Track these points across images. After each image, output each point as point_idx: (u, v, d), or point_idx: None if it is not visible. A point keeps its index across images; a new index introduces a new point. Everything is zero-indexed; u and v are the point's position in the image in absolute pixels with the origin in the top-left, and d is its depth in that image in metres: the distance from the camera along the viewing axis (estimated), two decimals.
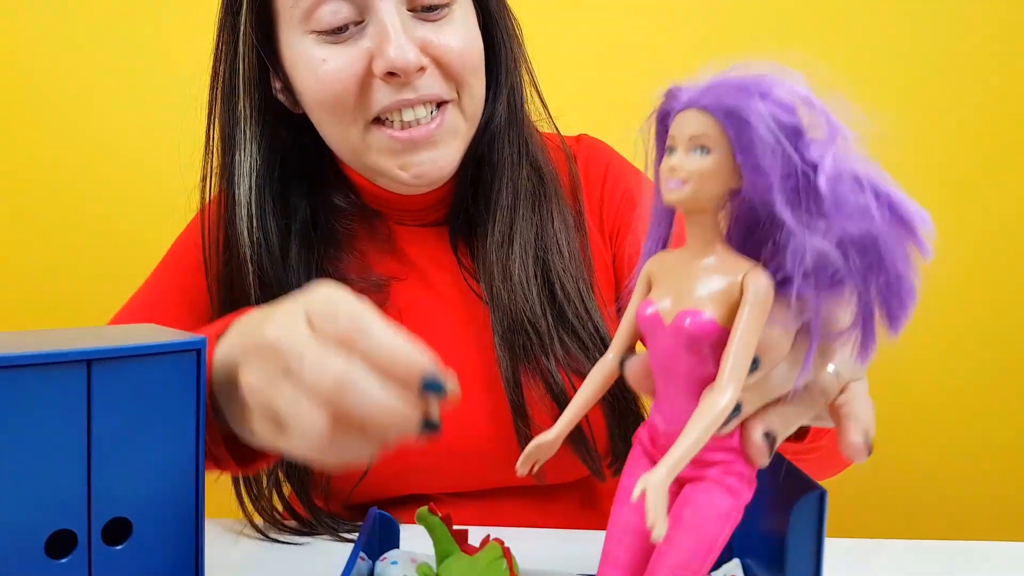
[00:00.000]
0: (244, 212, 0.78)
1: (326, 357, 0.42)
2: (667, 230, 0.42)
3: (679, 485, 0.39)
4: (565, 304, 0.78)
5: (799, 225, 0.36)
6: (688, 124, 0.37)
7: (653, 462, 0.41)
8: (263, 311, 0.48)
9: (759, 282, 0.36)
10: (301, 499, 0.75)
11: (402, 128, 0.74)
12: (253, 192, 0.78)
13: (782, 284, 0.37)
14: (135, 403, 0.44)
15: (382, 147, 0.76)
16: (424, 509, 0.54)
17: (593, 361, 0.73)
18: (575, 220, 0.84)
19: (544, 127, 0.89)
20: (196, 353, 0.46)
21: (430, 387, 0.45)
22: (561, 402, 0.75)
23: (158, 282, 0.86)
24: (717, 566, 0.52)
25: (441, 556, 0.53)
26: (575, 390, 0.75)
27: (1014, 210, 1.39)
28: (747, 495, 0.38)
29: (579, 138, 0.93)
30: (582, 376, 0.75)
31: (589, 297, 0.80)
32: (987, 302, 1.39)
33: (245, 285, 0.78)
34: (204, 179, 0.82)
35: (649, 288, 0.41)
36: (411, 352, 0.45)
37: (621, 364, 0.43)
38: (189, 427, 0.46)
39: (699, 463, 0.38)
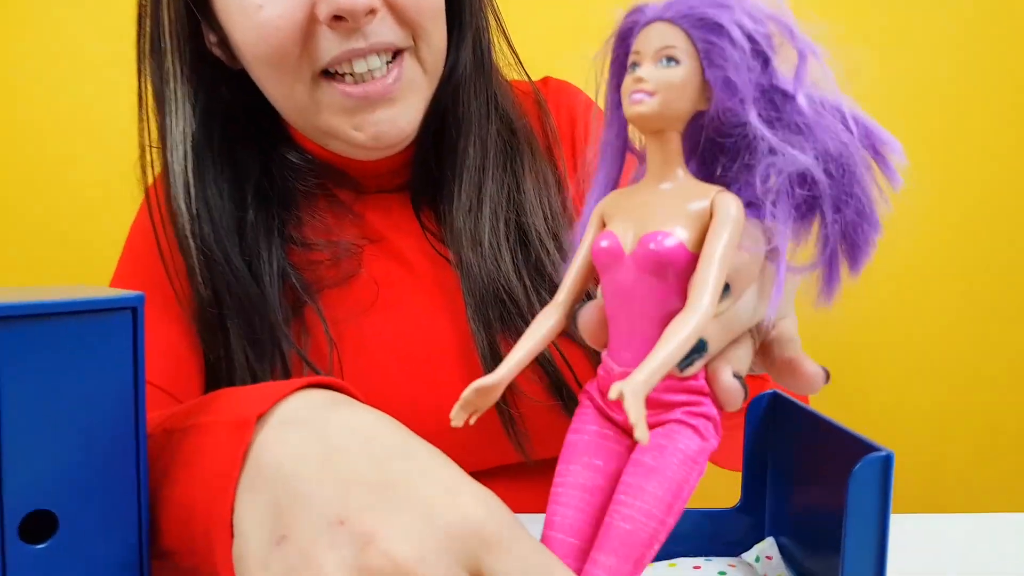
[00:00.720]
0: (180, 182, 0.70)
1: None
2: (619, 167, 0.39)
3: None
4: (546, 267, 0.72)
5: (777, 140, 0.34)
6: (655, 36, 0.35)
7: (606, 418, 0.37)
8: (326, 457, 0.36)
9: (732, 202, 0.34)
10: None
11: (355, 83, 0.67)
12: (189, 159, 0.70)
13: (749, 208, 0.35)
14: (55, 372, 0.37)
15: (333, 105, 0.68)
16: None
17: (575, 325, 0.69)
18: (554, 176, 0.78)
19: (512, 74, 0.82)
20: (131, 312, 0.39)
21: None
22: (549, 371, 0.70)
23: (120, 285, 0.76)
24: (748, 546, 0.47)
25: None
26: (563, 357, 0.70)
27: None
28: (714, 440, 0.35)
29: (545, 81, 0.86)
30: (572, 341, 0.71)
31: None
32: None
33: (194, 270, 0.70)
34: (142, 152, 0.73)
35: (603, 226, 0.38)
36: None
37: (571, 314, 0.39)
38: (125, 400, 0.39)
39: (659, 405, 0.35)
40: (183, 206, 0.70)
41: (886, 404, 1.39)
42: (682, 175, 0.36)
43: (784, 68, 0.35)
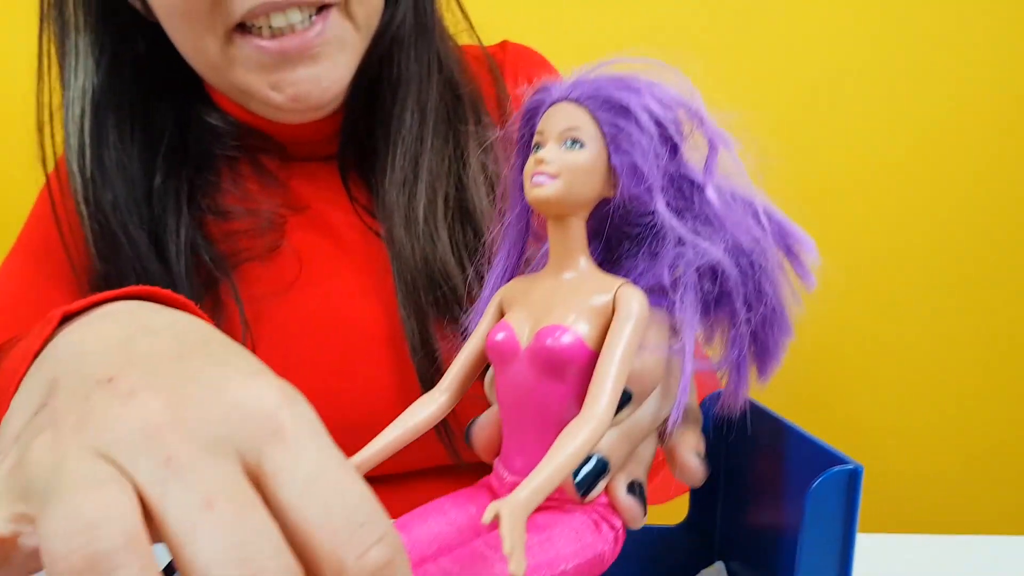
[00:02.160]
0: (75, 143, 0.63)
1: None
2: (520, 251, 0.37)
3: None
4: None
5: (686, 230, 0.31)
6: (560, 117, 0.33)
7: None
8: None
9: (635, 297, 0.31)
10: None
11: (272, 37, 0.59)
12: (87, 118, 0.63)
13: (652, 294, 0.32)
14: None
15: (248, 61, 0.60)
16: None
17: None
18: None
19: (463, 39, 0.74)
20: None
21: None
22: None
23: (19, 263, 0.69)
24: (695, 570, 0.41)
25: None
26: None
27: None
28: (611, 549, 0.31)
29: (502, 45, 0.78)
30: None
31: None
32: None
33: (90, 240, 0.63)
34: (40, 128, 0.65)
35: (502, 315, 0.35)
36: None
37: (454, 402, 0.36)
38: None
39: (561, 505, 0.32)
40: (76, 168, 0.63)
41: (863, 415, 1.34)
42: (584, 264, 0.33)
43: (694, 156, 0.33)
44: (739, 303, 0.32)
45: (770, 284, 0.32)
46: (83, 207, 0.63)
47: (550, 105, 0.33)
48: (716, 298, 0.32)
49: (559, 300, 0.33)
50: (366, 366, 0.65)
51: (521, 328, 0.33)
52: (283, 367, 0.61)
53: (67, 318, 0.33)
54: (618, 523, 0.32)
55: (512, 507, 0.25)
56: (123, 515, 0.21)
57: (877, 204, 1.27)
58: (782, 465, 0.35)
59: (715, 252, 0.31)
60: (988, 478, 1.34)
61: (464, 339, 0.37)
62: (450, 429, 0.62)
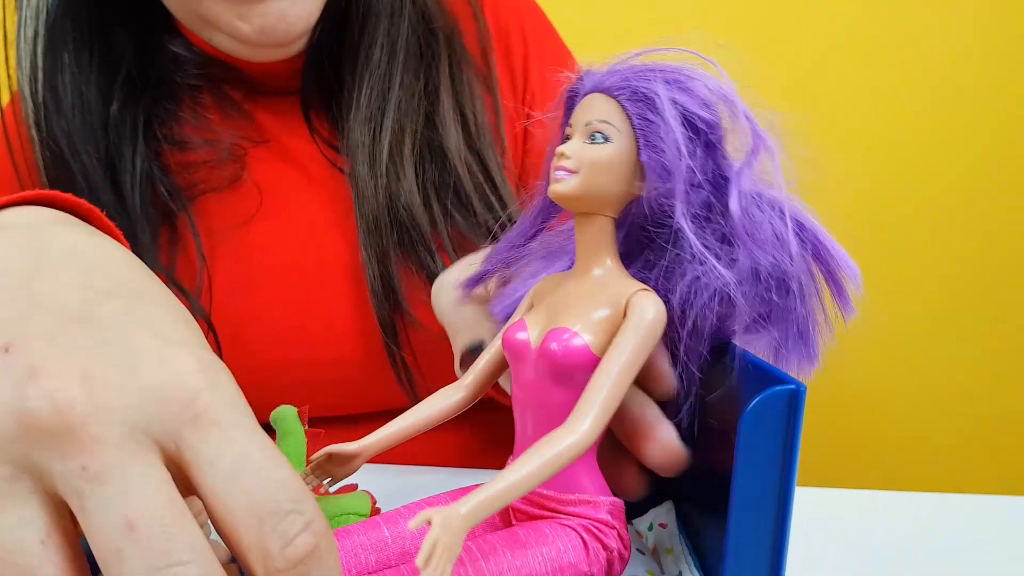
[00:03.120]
0: (27, 65, 0.60)
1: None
2: (532, 234, 0.36)
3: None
4: (464, 189, 0.61)
5: (702, 246, 0.29)
6: (589, 109, 0.31)
7: (501, 514, 0.33)
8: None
9: (647, 306, 0.29)
10: None
11: None
12: (40, 40, 0.60)
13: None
14: None
15: None
16: (289, 409, 0.39)
17: None
18: (483, 87, 0.66)
19: None
20: None
21: None
22: None
23: None
24: (644, 510, 0.38)
25: None
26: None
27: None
28: (600, 571, 0.30)
29: None
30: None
31: (501, 179, 0.62)
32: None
33: (41, 168, 0.61)
34: None
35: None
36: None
37: (474, 399, 0.35)
38: None
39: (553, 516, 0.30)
40: (27, 93, 0.61)
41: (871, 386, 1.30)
42: (610, 265, 0.32)
43: (735, 158, 0.30)
44: (751, 328, 0.30)
45: (799, 308, 0.29)
46: (35, 132, 0.61)
47: (584, 96, 0.32)
48: (725, 319, 0.30)
49: (574, 302, 0.31)
50: (328, 303, 0.63)
51: (534, 327, 0.32)
52: (241, 300, 0.61)
53: None
54: (613, 544, 0.30)
55: (446, 517, 0.24)
56: (36, 532, 0.22)
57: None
58: (732, 397, 0.30)
59: (725, 278, 0.28)
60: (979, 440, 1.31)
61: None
62: (410, 369, 0.60)
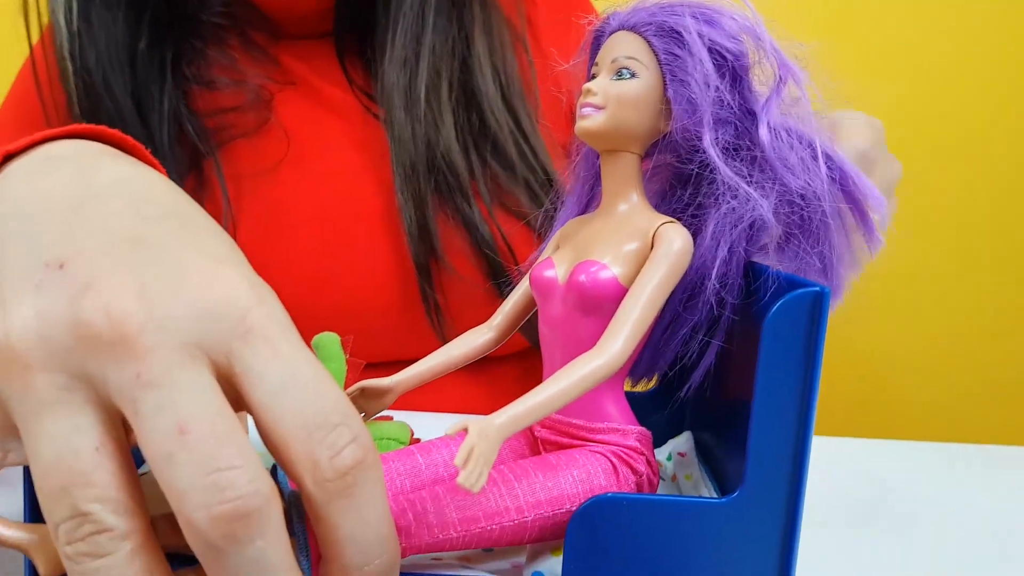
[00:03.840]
0: None
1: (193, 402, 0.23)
2: (589, 191, 0.36)
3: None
4: (499, 135, 0.61)
5: (732, 173, 0.29)
6: (614, 46, 0.31)
7: (530, 446, 0.33)
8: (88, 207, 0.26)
9: (675, 237, 0.30)
10: None
11: None
12: None
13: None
14: None
15: None
16: (331, 336, 0.38)
17: (539, 206, 0.60)
18: (512, 35, 0.66)
19: None
20: None
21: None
22: (488, 257, 0.60)
23: None
24: (663, 441, 0.38)
25: None
26: (503, 234, 0.60)
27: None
28: (628, 490, 0.30)
29: None
30: (515, 218, 0.61)
31: (532, 130, 0.63)
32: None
33: (72, 100, 0.61)
34: None
35: None
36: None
37: (504, 339, 0.36)
38: None
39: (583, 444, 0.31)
40: (62, 21, 0.61)
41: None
42: (636, 200, 0.32)
43: (760, 91, 0.31)
44: (785, 256, 0.30)
45: (826, 236, 0.30)
46: (67, 62, 0.61)
47: (610, 35, 0.32)
48: (755, 247, 0.30)
49: (602, 237, 0.31)
50: (359, 249, 0.63)
51: (561, 265, 0.32)
52: (270, 248, 0.61)
53: (9, 158, 0.30)
54: (643, 469, 0.31)
55: (482, 426, 0.25)
56: (91, 439, 0.22)
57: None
58: (756, 311, 0.29)
59: (759, 207, 0.29)
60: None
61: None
62: (443, 316, 0.61)
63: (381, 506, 0.24)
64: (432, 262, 0.60)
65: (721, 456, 0.32)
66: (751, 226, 0.29)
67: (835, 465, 0.49)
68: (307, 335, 0.58)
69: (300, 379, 0.23)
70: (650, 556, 0.28)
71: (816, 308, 0.27)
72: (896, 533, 0.40)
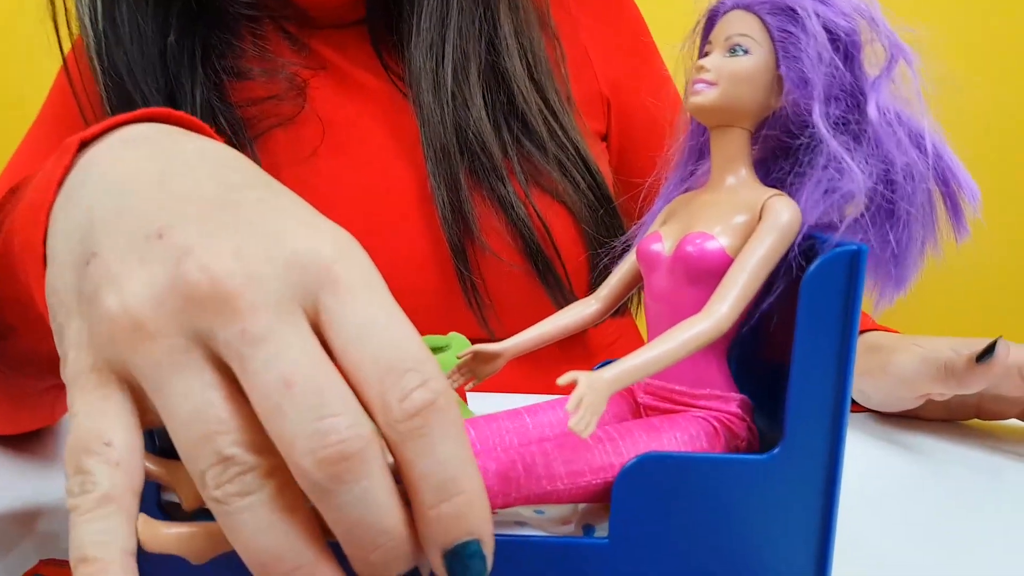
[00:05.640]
0: None
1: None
2: (691, 169, 0.37)
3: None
4: (528, 114, 0.62)
5: (837, 144, 0.30)
6: (727, 25, 0.32)
7: (633, 412, 0.35)
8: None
9: (783, 209, 0.30)
10: None
11: None
12: None
13: None
14: None
15: None
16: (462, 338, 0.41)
17: (572, 183, 0.62)
18: (538, 17, 0.67)
19: None
20: None
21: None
22: (524, 235, 0.61)
23: (39, 133, 0.69)
24: None
25: None
26: (540, 217, 0.61)
27: None
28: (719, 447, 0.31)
29: None
30: (555, 200, 0.62)
31: (562, 109, 0.64)
32: None
33: (103, 101, 0.63)
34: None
35: None
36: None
37: (610, 309, 0.37)
38: None
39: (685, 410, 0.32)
40: (87, 23, 0.62)
41: None
42: (745, 175, 0.33)
43: (872, 71, 0.31)
44: (876, 231, 0.31)
45: (902, 222, 0.30)
46: (96, 63, 0.63)
47: (724, 14, 0.33)
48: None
49: (709, 210, 0.32)
50: (397, 233, 0.64)
51: (668, 239, 0.33)
52: None
53: (84, 146, 0.31)
54: (744, 434, 0.31)
55: (592, 378, 0.26)
56: (220, 391, 0.24)
57: None
58: (797, 275, 0.30)
59: (857, 179, 0.29)
60: None
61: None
62: (481, 298, 0.61)
63: (453, 447, 0.24)
64: (468, 243, 0.61)
65: (763, 414, 0.33)
66: (842, 197, 0.30)
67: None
68: None
69: (377, 327, 0.25)
70: (694, 513, 0.30)
71: (854, 267, 0.28)
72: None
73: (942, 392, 0.51)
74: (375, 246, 0.65)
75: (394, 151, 0.65)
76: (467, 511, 0.25)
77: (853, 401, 0.59)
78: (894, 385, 0.53)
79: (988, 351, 0.47)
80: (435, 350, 0.34)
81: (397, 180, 0.65)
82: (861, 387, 0.55)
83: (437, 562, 0.25)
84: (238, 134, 0.64)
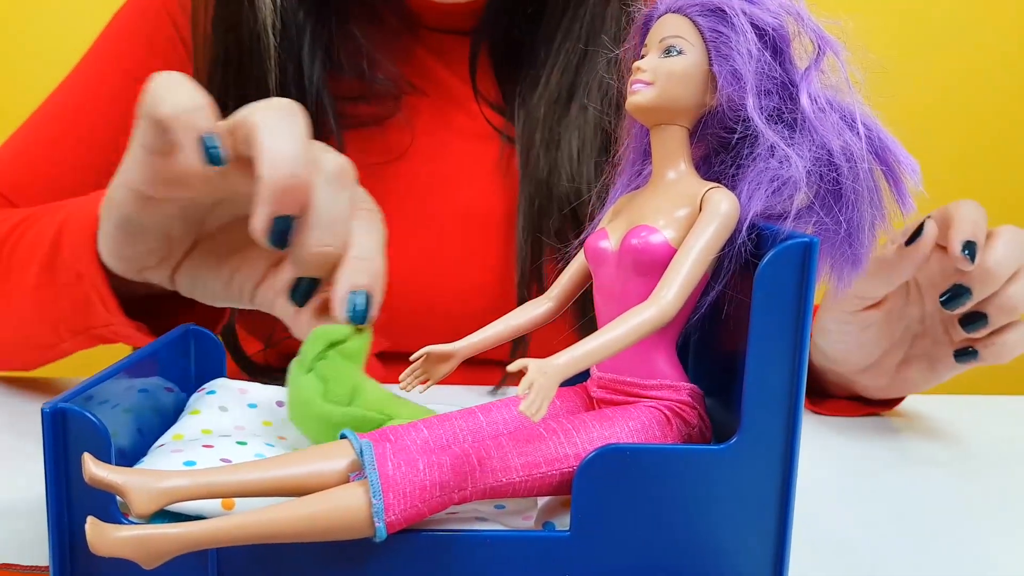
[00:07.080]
0: None
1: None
2: (640, 167, 0.38)
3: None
4: None
5: (773, 132, 0.31)
6: (662, 28, 0.33)
7: (586, 406, 0.35)
8: None
9: (722, 199, 0.31)
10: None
11: None
12: None
13: None
14: None
15: None
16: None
17: None
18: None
19: None
20: None
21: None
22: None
23: (90, 72, 0.67)
24: None
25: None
26: None
27: None
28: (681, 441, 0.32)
29: None
30: None
31: None
32: None
33: (257, 66, 0.59)
34: None
35: None
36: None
37: (561, 309, 0.37)
38: None
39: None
40: None
41: None
42: (685, 170, 0.34)
43: (801, 64, 0.33)
44: (821, 214, 0.32)
45: (848, 203, 0.31)
46: (270, 37, 0.59)
47: (658, 18, 0.34)
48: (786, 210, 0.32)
49: (653, 205, 0.33)
50: (457, 257, 0.62)
51: (615, 234, 0.34)
52: None
53: None
54: (695, 422, 0.32)
55: (542, 364, 0.26)
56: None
57: None
58: (750, 266, 0.31)
59: (796, 165, 0.30)
60: None
61: None
62: (527, 338, 0.59)
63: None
64: (536, 290, 0.60)
65: (719, 405, 0.34)
66: (784, 184, 0.31)
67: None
68: (416, 330, 0.58)
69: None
70: (653, 503, 0.30)
71: (807, 258, 0.29)
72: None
73: (884, 287, 0.52)
74: (433, 265, 0.63)
75: (476, 175, 0.65)
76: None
77: (820, 399, 0.61)
78: (841, 300, 0.54)
79: (917, 232, 0.49)
80: (336, 343, 0.34)
81: (474, 206, 0.64)
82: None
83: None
84: (336, 125, 0.62)
